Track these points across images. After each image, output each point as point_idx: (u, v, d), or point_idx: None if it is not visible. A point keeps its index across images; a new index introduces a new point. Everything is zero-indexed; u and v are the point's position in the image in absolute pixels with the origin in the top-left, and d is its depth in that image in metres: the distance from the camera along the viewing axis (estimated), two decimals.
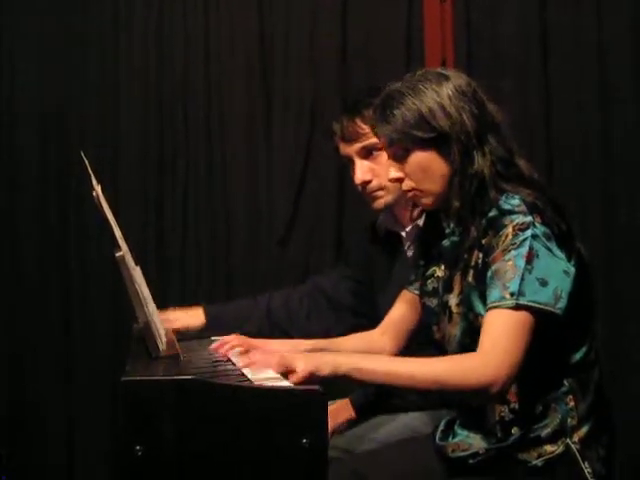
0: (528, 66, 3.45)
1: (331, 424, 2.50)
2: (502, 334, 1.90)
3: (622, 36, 3.36)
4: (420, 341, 2.32)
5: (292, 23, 3.67)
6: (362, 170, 2.61)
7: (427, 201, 2.11)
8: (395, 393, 2.48)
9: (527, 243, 1.92)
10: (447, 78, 2.06)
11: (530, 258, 1.92)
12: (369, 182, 2.60)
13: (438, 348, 2.15)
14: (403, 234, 2.65)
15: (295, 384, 1.89)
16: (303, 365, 1.89)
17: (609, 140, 3.38)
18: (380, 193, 2.59)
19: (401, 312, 2.34)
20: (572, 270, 1.96)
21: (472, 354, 1.93)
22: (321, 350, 2.23)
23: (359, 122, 2.57)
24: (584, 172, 3.40)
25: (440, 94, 2.03)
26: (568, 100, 3.43)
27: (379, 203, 2.62)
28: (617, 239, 3.38)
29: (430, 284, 2.21)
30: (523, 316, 1.90)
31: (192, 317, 2.66)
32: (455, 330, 2.09)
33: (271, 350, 2.15)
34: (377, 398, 2.55)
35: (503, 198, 2.00)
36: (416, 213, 2.42)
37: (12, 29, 3.79)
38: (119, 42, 3.77)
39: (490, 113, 2.07)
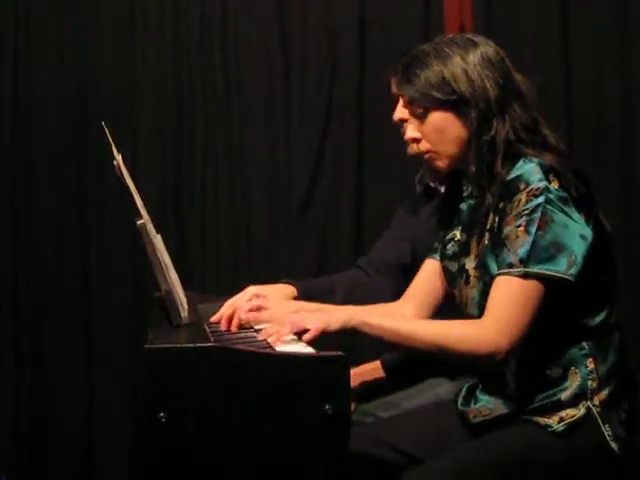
0: (548, 32, 3.43)
1: (359, 382, 2.54)
2: (507, 303, 1.93)
3: None
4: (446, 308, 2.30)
5: None
6: (402, 107, 2.60)
7: (441, 163, 2.13)
8: (424, 359, 2.46)
9: (540, 209, 1.93)
10: (475, 45, 2.07)
11: (543, 224, 1.93)
12: (406, 121, 2.59)
13: (460, 313, 2.15)
14: (442, 189, 2.63)
15: (308, 342, 1.94)
16: (314, 323, 1.94)
17: (629, 108, 3.37)
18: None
19: (424, 280, 2.31)
20: (590, 234, 1.97)
21: (476, 321, 1.98)
22: None
23: None
24: (603, 141, 3.38)
25: (466, 59, 2.04)
26: (588, 66, 3.41)
27: (412, 148, 2.61)
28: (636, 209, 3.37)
29: (451, 248, 2.21)
30: (531, 284, 1.93)
31: (285, 290, 2.55)
32: (472, 292, 2.10)
33: (281, 315, 2.12)
34: (407, 362, 2.54)
35: (520, 162, 2.00)
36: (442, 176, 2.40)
37: (28, 10, 3.77)
38: (134, 18, 3.76)
39: (516, 82, 2.07)
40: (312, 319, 1.96)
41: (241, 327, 2.17)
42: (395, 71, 2.62)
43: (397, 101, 2.63)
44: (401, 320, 2.10)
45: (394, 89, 2.64)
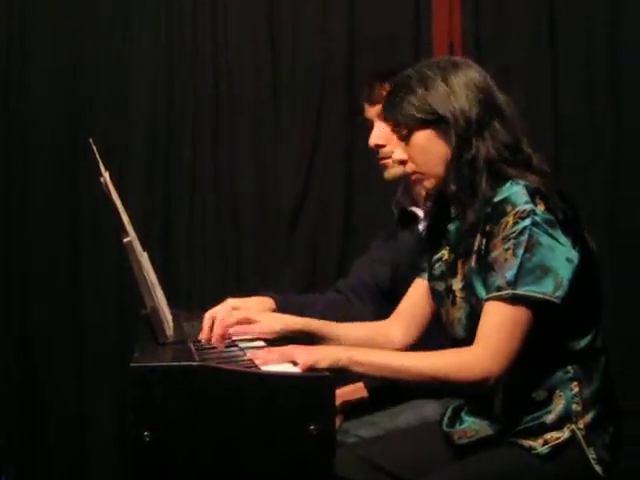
0: (537, 50, 3.45)
1: (341, 402, 2.54)
2: (496, 329, 1.94)
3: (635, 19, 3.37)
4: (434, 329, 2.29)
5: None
6: (378, 133, 2.61)
7: (428, 184, 2.14)
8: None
9: (527, 232, 1.94)
10: (457, 66, 2.09)
11: (529, 247, 1.93)
12: (382, 147, 2.60)
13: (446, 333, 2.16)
14: (420, 213, 2.64)
15: None
16: (303, 359, 1.92)
17: (619, 126, 3.38)
18: (391, 162, 2.57)
19: (413, 300, 2.31)
20: (576, 257, 1.97)
21: (467, 349, 1.98)
22: (310, 331, 2.23)
23: (386, 86, 2.56)
24: (592, 158, 3.40)
25: (448, 81, 2.06)
26: (576, 82, 3.43)
27: (388, 173, 2.62)
28: (623, 227, 3.38)
29: (438, 268, 2.21)
30: (520, 309, 1.94)
31: (263, 303, 2.55)
32: (459, 314, 2.11)
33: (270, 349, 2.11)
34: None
35: (507, 184, 2.01)
36: (424, 199, 2.40)
37: (25, 11, 3.78)
38: (128, 24, 3.76)
39: (498, 102, 2.08)
40: (302, 354, 1.94)
41: (228, 344, 2.18)
42: (368, 94, 2.65)
43: (372, 127, 2.65)
44: (391, 354, 2.10)
45: (367, 113, 2.66)
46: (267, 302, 2.52)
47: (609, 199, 3.40)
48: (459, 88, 2.05)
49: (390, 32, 3.56)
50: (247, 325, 2.17)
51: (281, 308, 2.50)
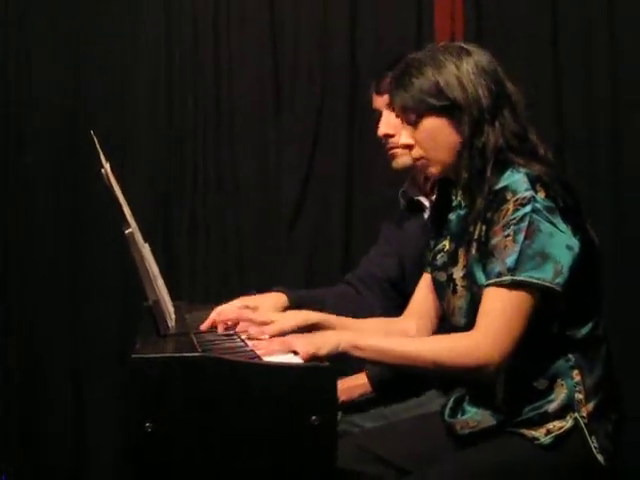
0: (538, 47, 3.45)
1: (346, 399, 2.52)
2: (496, 315, 1.94)
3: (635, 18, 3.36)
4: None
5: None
6: (387, 122, 2.61)
7: (434, 170, 2.13)
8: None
9: (527, 218, 1.94)
10: (469, 53, 2.08)
11: (529, 233, 1.94)
12: (391, 136, 2.60)
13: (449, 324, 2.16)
14: (426, 202, 2.64)
15: None
16: (303, 347, 1.93)
17: (618, 118, 3.39)
18: (400, 151, 2.55)
19: (423, 295, 2.30)
20: (577, 245, 1.97)
21: (467, 334, 1.99)
22: (327, 326, 2.21)
23: None
24: (594, 157, 3.40)
25: (460, 67, 2.05)
26: (578, 78, 3.43)
27: (397, 162, 2.62)
28: (628, 223, 3.38)
29: (440, 258, 2.22)
30: (520, 295, 1.94)
31: (276, 299, 2.54)
32: (460, 302, 2.11)
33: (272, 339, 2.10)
34: (395, 374, 2.53)
35: (508, 172, 2.01)
36: (429, 186, 2.40)
37: (23, 15, 3.78)
38: (127, 24, 3.77)
39: (508, 91, 2.08)
40: (302, 342, 1.95)
41: (227, 335, 2.19)
42: (376, 84, 2.65)
43: (379, 117, 2.65)
44: (391, 340, 2.10)
45: (375, 103, 2.66)
46: (279, 298, 2.52)
47: (613, 195, 3.39)
48: (472, 75, 2.04)
49: (392, 28, 3.56)
50: (263, 327, 2.13)
51: (293, 303, 2.50)
